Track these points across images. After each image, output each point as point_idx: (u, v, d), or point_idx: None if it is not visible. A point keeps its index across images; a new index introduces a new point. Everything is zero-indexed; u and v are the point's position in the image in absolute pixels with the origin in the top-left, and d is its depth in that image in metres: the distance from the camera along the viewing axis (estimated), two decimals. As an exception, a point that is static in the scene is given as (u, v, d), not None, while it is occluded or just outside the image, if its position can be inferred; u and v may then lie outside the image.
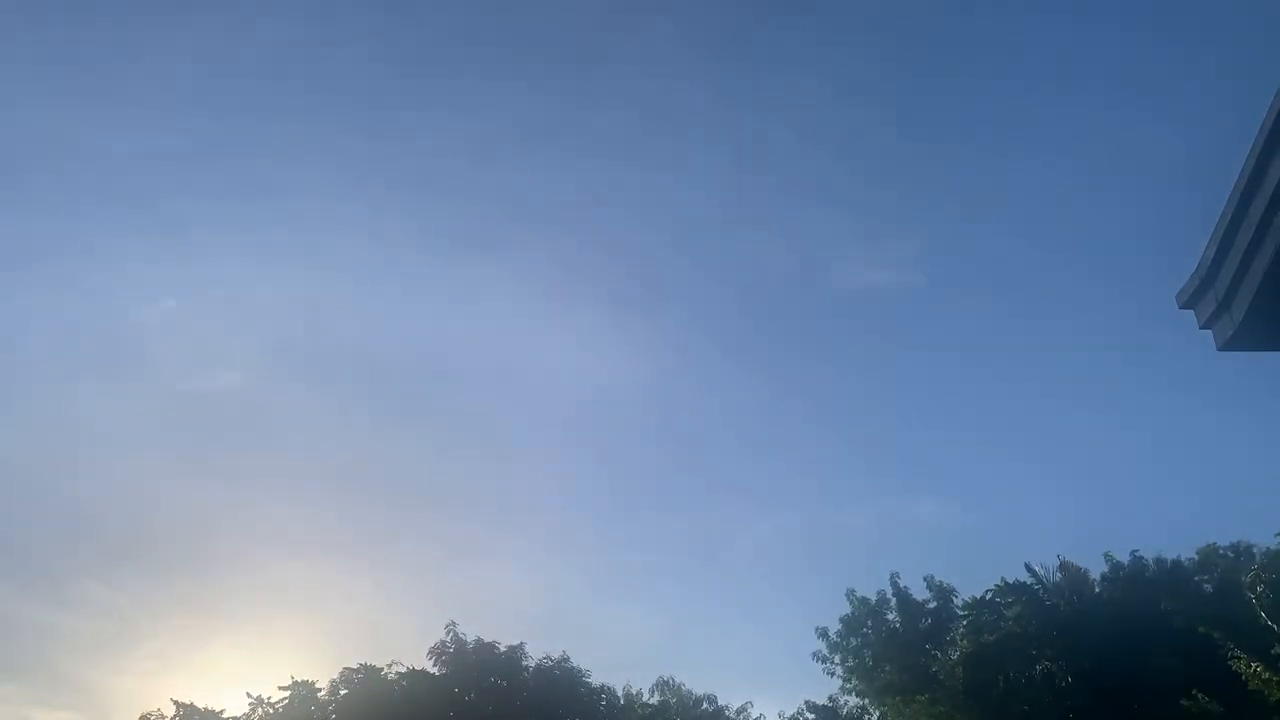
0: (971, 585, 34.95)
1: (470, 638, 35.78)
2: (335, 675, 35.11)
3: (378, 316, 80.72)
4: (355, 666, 35.18)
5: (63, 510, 74.62)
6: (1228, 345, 5.69)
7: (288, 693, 34.49)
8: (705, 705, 44.23)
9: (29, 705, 60.99)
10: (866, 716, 38.91)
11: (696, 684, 46.46)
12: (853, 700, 38.48)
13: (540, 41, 74.47)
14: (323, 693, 34.60)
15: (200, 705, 34.71)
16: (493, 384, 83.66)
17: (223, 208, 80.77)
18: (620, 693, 40.64)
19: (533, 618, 68.77)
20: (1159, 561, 32.82)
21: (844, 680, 37.52)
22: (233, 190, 79.47)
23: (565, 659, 36.40)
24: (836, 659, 37.23)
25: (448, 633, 35.69)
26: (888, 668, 35.45)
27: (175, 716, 34.41)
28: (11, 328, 74.58)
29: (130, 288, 77.71)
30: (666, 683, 44.98)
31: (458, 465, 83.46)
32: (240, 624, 62.59)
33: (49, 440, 75.03)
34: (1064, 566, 33.44)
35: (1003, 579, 32.91)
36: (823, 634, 37.47)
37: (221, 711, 34.73)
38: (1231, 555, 32.55)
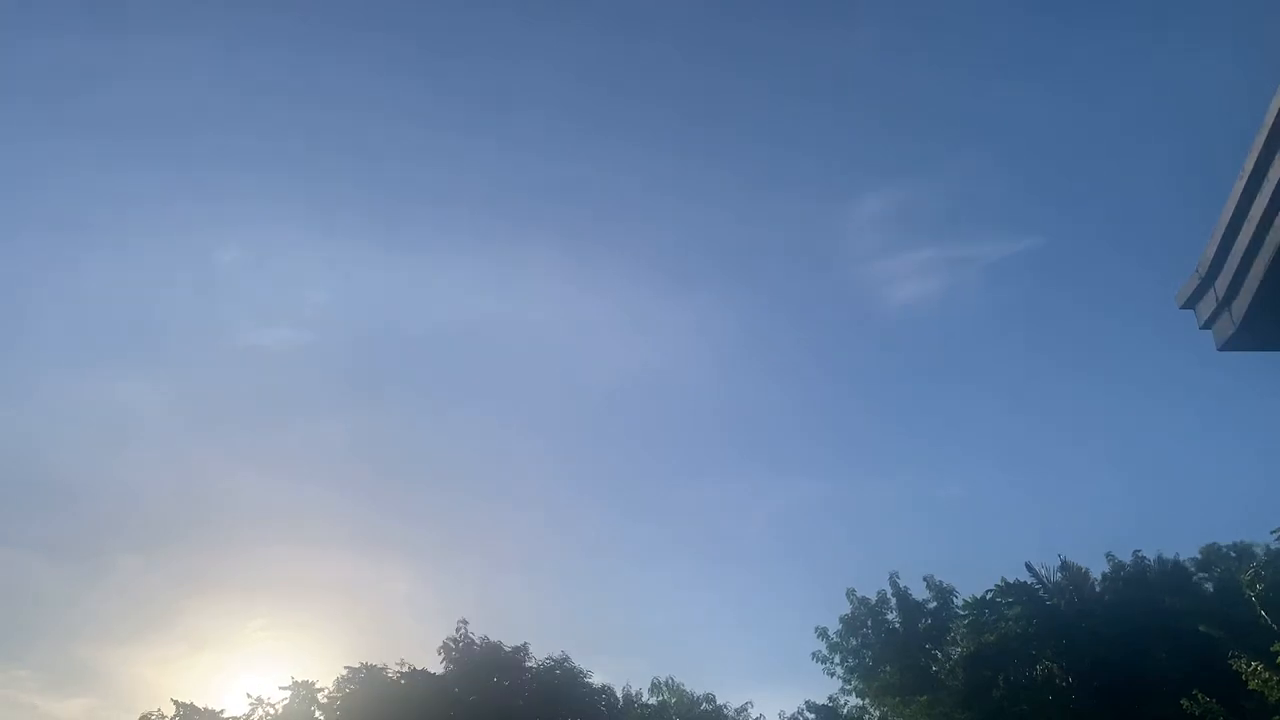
0: (970, 584, 35.01)
1: (479, 636, 35.94)
2: (340, 674, 35.25)
3: (426, 293, 79.56)
4: (358, 666, 35.26)
5: (108, 479, 73.10)
6: (1228, 345, 5.67)
7: (288, 693, 34.54)
8: (705, 705, 44.21)
9: (41, 693, 58.15)
10: (866, 717, 38.88)
11: (697, 682, 46.55)
12: (853, 700, 38.50)
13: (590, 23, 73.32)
14: (325, 693, 34.64)
15: (200, 705, 34.75)
16: (524, 369, 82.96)
17: (297, 157, 78.99)
18: (620, 693, 40.69)
19: (540, 613, 68.51)
20: (1160, 561, 32.83)
21: (844, 680, 37.53)
22: (309, 140, 77.67)
23: (566, 659, 36.52)
24: (836, 659, 37.21)
25: (458, 630, 35.88)
26: (887, 668, 35.42)
27: (175, 717, 34.43)
28: (72, 274, 72.53)
29: (193, 236, 75.89)
30: (666, 683, 45.01)
31: (474, 452, 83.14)
32: (276, 609, 60.16)
33: (95, 401, 73.37)
34: (1065, 566, 33.43)
35: (1003, 579, 32.93)
36: (822, 633, 37.47)
37: (221, 711, 34.77)
38: (1233, 555, 32.57)
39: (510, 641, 36.32)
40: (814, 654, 37.46)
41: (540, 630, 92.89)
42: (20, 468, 68.38)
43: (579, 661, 36.97)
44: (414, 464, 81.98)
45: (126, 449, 75.11)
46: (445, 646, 35.39)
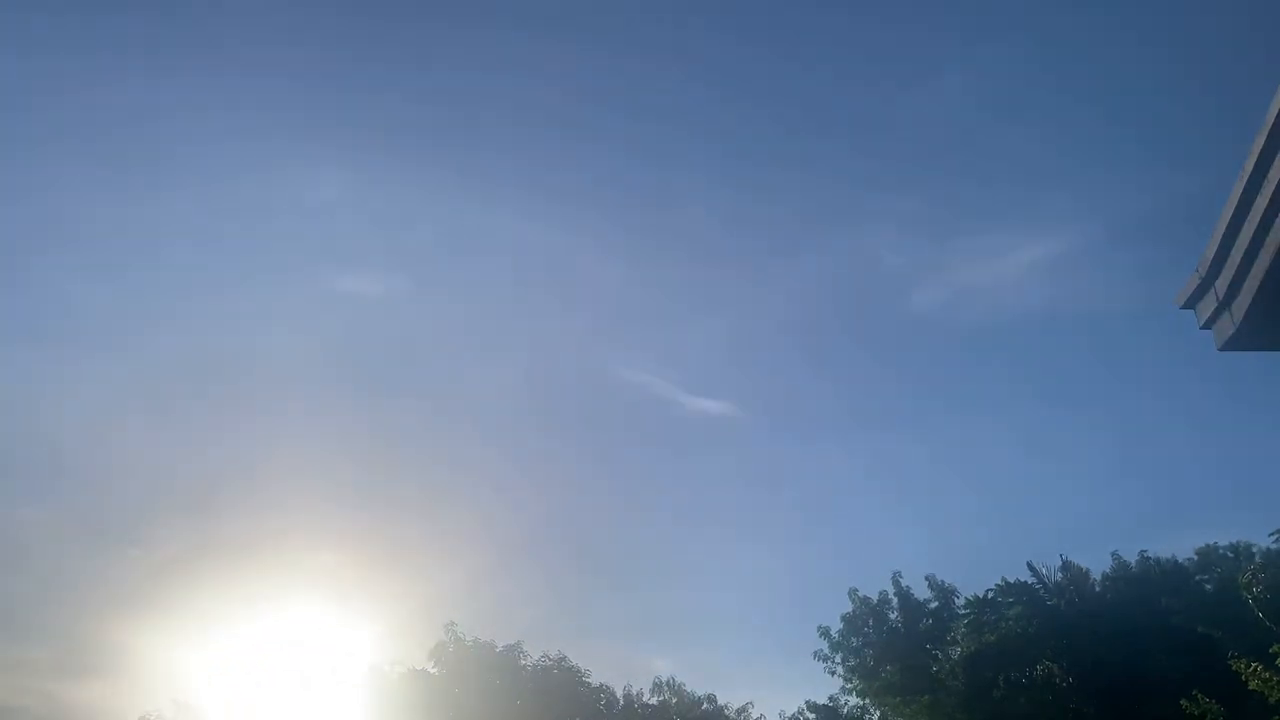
0: (968, 585, 35.03)
1: (470, 637, 35.96)
2: (338, 674, 35.37)
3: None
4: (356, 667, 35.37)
5: (151, 450, 67.25)
6: (1228, 345, 5.70)
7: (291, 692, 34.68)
8: (706, 705, 44.20)
9: (55, 677, 52.52)
10: (867, 716, 38.90)
11: (697, 680, 46.53)
12: (853, 700, 38.52)
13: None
14: (325, 691, 34.80)
15: (200, 705, 34.90)
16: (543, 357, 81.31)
17: (406, 108, 76.08)
18: (620, 693, 40.68)
19: (541, 611, 67.23)
20: (1160, 562, 32.88)
21: (845, 680, 37.56)
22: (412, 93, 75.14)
23: (564, 658, 36.55)
24: (838, 658, 37.26)
25: (447, 632, 35.85)
26: (889, 667, 35.46)
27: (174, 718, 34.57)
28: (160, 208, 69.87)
29: (288, 174, 73.22)
30: (668, 683, 45.00)
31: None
32: (306, 598, 55.09)
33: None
34: (1066, 566, 33.46)
35: (1004, 578, 32.98)
36: (824, 633, 37.51)
37: (220, 712, 34.92)
38: (1231, 555, 32.62)
39: (529, 640, 36.56)
40: (815, 653, 37.57)
41: (544, 629, 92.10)
42: (60, 434, 65.28)
43: (581, 660, 37.08)
44: (461, 445, 79.48)
45: (175, 416, 71.32)
46: (435, 649, 35.44)
